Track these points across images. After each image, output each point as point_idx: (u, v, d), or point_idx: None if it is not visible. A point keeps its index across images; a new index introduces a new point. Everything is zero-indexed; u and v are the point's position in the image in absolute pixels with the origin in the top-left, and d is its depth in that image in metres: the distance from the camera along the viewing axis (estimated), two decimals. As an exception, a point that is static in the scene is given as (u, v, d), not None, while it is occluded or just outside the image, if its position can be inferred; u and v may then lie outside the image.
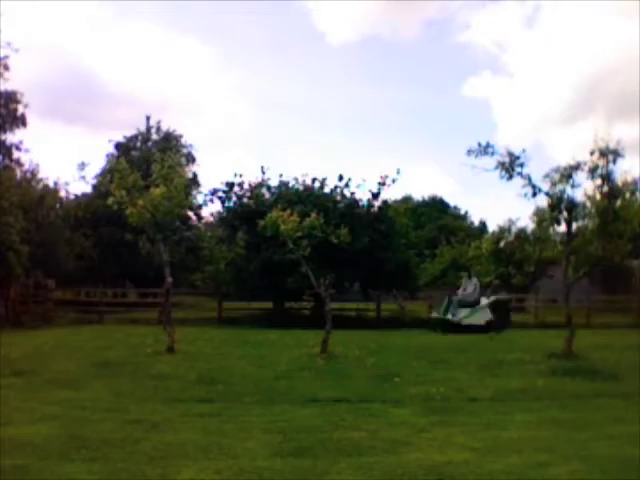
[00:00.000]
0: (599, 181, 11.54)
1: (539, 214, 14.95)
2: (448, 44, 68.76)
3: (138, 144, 30.91)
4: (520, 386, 8.35)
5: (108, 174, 16.89)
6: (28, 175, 24.22)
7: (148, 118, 31.44)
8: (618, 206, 11.55)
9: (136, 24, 67.33)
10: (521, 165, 11.49)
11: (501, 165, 11.49)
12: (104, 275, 25.27)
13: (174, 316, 12.47)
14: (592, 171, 11.47)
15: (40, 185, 24.18)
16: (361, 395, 7.63)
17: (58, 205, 25.33)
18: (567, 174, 11.46)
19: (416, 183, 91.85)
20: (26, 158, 24.91)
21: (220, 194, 21.72)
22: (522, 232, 26.37)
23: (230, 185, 21.49)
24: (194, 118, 62.50)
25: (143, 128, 31.12)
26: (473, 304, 18.04)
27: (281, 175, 21.81)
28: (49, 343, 13.09)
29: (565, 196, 11.49)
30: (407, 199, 41.08)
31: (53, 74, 56.20)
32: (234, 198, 21.59)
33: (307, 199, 19.64)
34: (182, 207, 12.77)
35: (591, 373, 9.19)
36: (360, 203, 21.00)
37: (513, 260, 26.05)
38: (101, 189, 23.88)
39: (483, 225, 44.22)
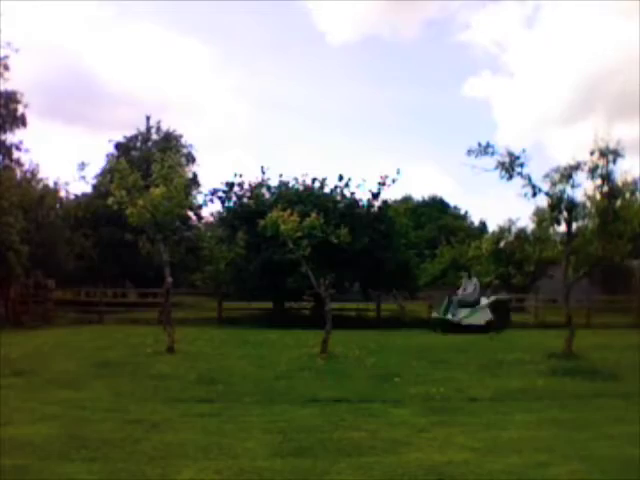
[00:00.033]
0: (599, 181, 11.54)
1: (539, 214, 14.96)
2: (448, 44, 68.88)
3: (138, 144, 30.91)
4: (520, 386, 8.35)
5: (108, 174, 16.91)
6: (28, 175, 24.22)
7: (148, 118, 31.49)
8: (618, 206, 11.55)
9: (136, 24, 67.48)
10: (521, 165, 11.50)
11: (501, 165, 11.49)
12: (104, 275, 25.27)
13: (174, 316, 12.47)
14: (592, 171, 11.48)
15: (40, 185, 24.18)
16: (361, 395, 7.63)
17: (58, 205, 25.33)
18: (567, 174, 11.47)
19: (416, 183, 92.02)
20: (26, 158, 24.96)
21: (220, 194, 21.74)
22: (522, 232, 26.38)
23: (230, 185, 21.49)
24: (194, 118, 62.61)
25: (143, 128, 31.17)
26: (473, 304, 18.02)
27: (281, 175, 21.85)
28: (49, 343, 13.09)
29: (565, 196, 11.50)
30: (407, 199, 41.09)
31: (53, 74, 56.29)
32: (234, 198, 21.60)
33: (307, 199, 19.64)
34: (182, 207, 12.77)
35: (591, 373, 9.19)
36: (360, 203, 21.01)
37: (513, 260, 26.05)
38: (101, 189, 23.89)
39: (483, 225, 44.25)
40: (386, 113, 71.49)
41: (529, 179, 11.50)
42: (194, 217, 28.09)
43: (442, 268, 30.11)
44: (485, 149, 11.54)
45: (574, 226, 11.83)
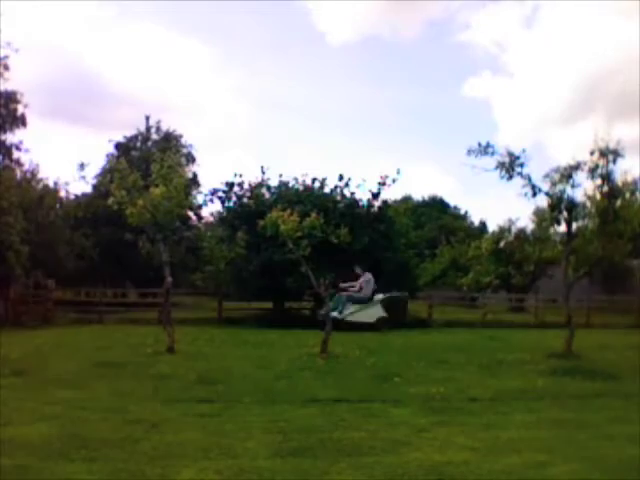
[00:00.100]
0: (599, 181, 11.56)
1: (539, 214, 15.01)
2: (448, 44, 68.75)
3: (138, 144, 30.88)
4: (520, 386, 8.35)
5: (108, 174, 16.89)
6: (28, 175, 24.19)
7: (148, 118, 31.44)
8: (618, 206, 11.57)
9: (136, 24, 67.41)
10: (521, 165, 11.51)
11: (501, 165, 11.49)
12: (104, 275, 25.24)
13: (174, 316, 12.47)
14: (592, 171, 11.49)
15: (40, 185, 24.16)
16: (361, 395, 7.63)
17: (58, 205, 25.31)
18: (567, 174, 11.48)
19: (416, 183, 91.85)
20: (26, 158, 24.90)
21: (220, 194, 21.69)
22: (522, 232, 26.40)
23: (230, 185, 21.46)
24: (194, 118, 62.48)
25: (143, 128, 31.15)
26: (365, 300, 17.31)
27: (281, 175, 21.79)
28: (49, 343, 13.09)
29: (565, 196, 11.51)
30: (407, 199, 41.03)
31: (54, 74, 56.19)
32: (234, 198, 21.55)
33: (307, 199, 19.62)
34: (182, 207, 12.76)
35: (591, 373, 9.19)
36: (360, 203, 20.97)
37: (513, 260, 26.05)
38: (101, 189, 23.88)
39: (483, 225, 44.20)
40: (386, 113, 71.44)
41: (529, 179, 11.52)
42: (194, 217, 28.08)
43: (442, 268, 30.12)
44: (485, 149, 11.54)
45: (574, 226, 11.84)
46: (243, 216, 20.30)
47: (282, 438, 5.58)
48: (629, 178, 11.85)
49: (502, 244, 26.24)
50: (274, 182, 21.63)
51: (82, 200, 27.34)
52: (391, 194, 27.93)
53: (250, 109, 70.43)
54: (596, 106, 64.63)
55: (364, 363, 10.20)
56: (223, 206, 22.19)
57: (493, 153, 11.55)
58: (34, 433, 5.64)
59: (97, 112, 57.85)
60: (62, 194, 26.42)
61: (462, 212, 49.58)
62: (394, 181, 20.86)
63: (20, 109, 24.31)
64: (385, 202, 21.24)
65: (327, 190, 21.18)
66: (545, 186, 11.56)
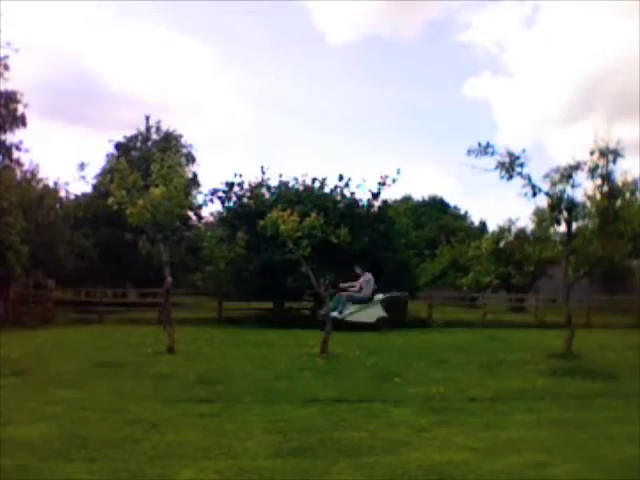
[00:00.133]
0: (599, 181, 11.56)
1: (539, 214, 14.99)
2: (448, 44, 68.73)
3: (138, 144, 30.87)
4: (520, 386, 8.36)
5: (108, 174, 16.86)
6: (28, 175, 24.18)
7: (147, 118, 31.42)
8: (618, 206, 11.57)
9: (136, 24, 67.38)
10: (521, 165, 11.51)
11: (501, 165, 11.50)
12: (104, 275, 25.24)
13: (174, 316, 12.48)
14: (592, 171, 11.49)
15: (40, 185, 24.14)
16: (361, 395, 7.63)
17: (58, 205, 25.29)
18: (567, 174, 11.48)
19: (416, 183, 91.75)
20: (26, 158, 24.91)
21: (220, 194, 21.69)
22: (522, 232, 26.39)
23: (230, 185, 21.46)
24: (194, 118, 62.49)
25: (143, 128, 31.15)
26: (365, 300, 17.21)
27: (281, 175, 21.79)
28: (49, 343, 13.09)
29: (565, 196, 11.51)
30: (407, 199, 41.01)
31: (54, 74, 56.16)
32: (234, 198, 21.55)
33: (307, 199, 19.62)
34: (182, 207, 12.77)
35: (591, 373, 9.19)
36: (360, 203, 20.96)
37: (513, 260, 26.05)
38: (101, 189, 23.85)
39: (483, 225, 44.21)
40: (386, 113, 71.39)
41: (529, 179, 11.52)
42: (194, 217, 28.08)
43: (442, 268, 30.12)
44: (485, 149, 11.55)
45: (574, 226, 11.84)
46: (243, 216, 20.30)
47: (282, 438, 5.58)
48: (629, 178, 11.86)
49: (502, 244, 26.24)
50: (274, 182, 21.65)
51: (82, 200, 27.33)
52: (391, 194, 27.93)
53: (250, 109, 70.49)
54: (596, 106, 64.69)
55: (364, 363, 10.20)
56: (223, 206, 22.20)
57: (493, 153, 11.56)
58: (34, 433, 5.64)
59: (97, 112, 57.88)
60: (62, 194, 26.43)
61: (462, 212, 49.57)
62: (394, 181, 20.87)
63: (20, 109, 24.33)
64: (385, 202, 21.24)
65: (327, 190, 21.17)
66: (545, 186, 11.58)
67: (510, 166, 11.47)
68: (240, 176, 21.47)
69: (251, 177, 21.79)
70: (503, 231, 27.12)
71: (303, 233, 11.85)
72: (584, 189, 11.79)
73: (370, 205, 20.98)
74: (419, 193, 50.35)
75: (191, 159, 31.04)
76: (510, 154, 11.51)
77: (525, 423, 6.29)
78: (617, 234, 11.65)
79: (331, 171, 52.00)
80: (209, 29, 70.26)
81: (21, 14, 51.28)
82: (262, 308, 21.91)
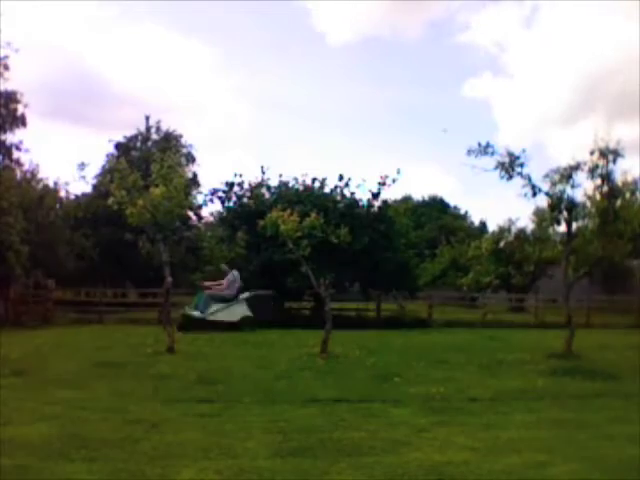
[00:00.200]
0: (599, 181, 11.57)
1: (539, 214, 14.99)
2: (448, 45, 68.87)
3: (138, 144, 30.85)
4: (520, 386, 8.35)
5: (108, 174, 16.86)
6: (28, 175, 24.16)
7: (147, 118, 31.38)
8: (618, 206, 11.58)
9: (137, 24, 67.53)
10: (521, 165, 11.52)
11: (501, 165, 11.50)
12: (104, 275, 25.23)
13: (174, 316, 12.47)
14: (592, 171, 11.50)
15: (40, 185, 24.12)
16: (361, 395, 7.63)
17: (58, 205, 25.28)
18: (567, 174, 11.48)
19: (416, 183, 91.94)
20: (26, 158, 24.88)
21: (220, 194, 21.72)
22: (522, 232, 26.40)
23: (230, 185, 21.48)
24: (195, 118, 62.61)
25: (143, 128, 31.13)
26: (228, 299, 16.68)
27: (281, 175, 21.82)
28: (49, 343, 13.09)
29: (565, 196, 11.52)
30: (407, 199, 41.07)
31: (54, 74, 56.27)
32: (234, 198, 21.58)
33: (307, 199, 19.63)
34: (182, 207, 12.77)
35: (591, 373, 9.19)
36: (360, 203, 20.99)
37: (513, 260, 26.07)
38: (101, 189, 23.84)
39: (483, 225, 44.26)
40: (386, 113, 71.58)
41: (529, 179, 11.53)
42: (194, 217, 28.06)
43: (442, 268, 30.15)
44: (485, 149, 11.55)
45: (574, 226, 11.85)
46: (243, 216, 20.32)
47: (282, 438, 5.58)
48: (629, 178, 11.87)
49: (502, 244, 26.25)
50: (274, 182, 21.67)
51: (82, 200, 27.31)
52: (391, 194, 28.01)
53: (250, 109, 70.58)
54: (596, 106, 64.72)
55: (364, 363, 10.20)
56: (223, 206, 22.23)
57: (493, 153, 11.56)
58: (34, 433, 5.64)
59: (98, 112, 57.95)
60: (62, 194, 26.41)
61: (462, 212, 49.68)
62: (394, 181, 20.89)
63: (20, 109, 24.30)
64: (385, 202, 21.26)
65: (327, 190, 21.19)
66: (545, 186, 11.58)
67: (510, 166, 11.47)
68: (240, 176, 21.51)
69: (251, 177, 21.86)
70: (503, 231, 27.15)
71: (303, 233, 11.86)
72: (584, 189, 11.82)
73: (370, 205, 21.00)
74: (419, 193, 50.51)
75: (191, 159, 31.02)
76: (510, 154, 11.52)
77: (525, 423, 6.28)
78: (617, 234, 11.66)
79: (331, 171, 52.18)
80: (209, 30, 70.43)
81: (21, 14, 51.32)
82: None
